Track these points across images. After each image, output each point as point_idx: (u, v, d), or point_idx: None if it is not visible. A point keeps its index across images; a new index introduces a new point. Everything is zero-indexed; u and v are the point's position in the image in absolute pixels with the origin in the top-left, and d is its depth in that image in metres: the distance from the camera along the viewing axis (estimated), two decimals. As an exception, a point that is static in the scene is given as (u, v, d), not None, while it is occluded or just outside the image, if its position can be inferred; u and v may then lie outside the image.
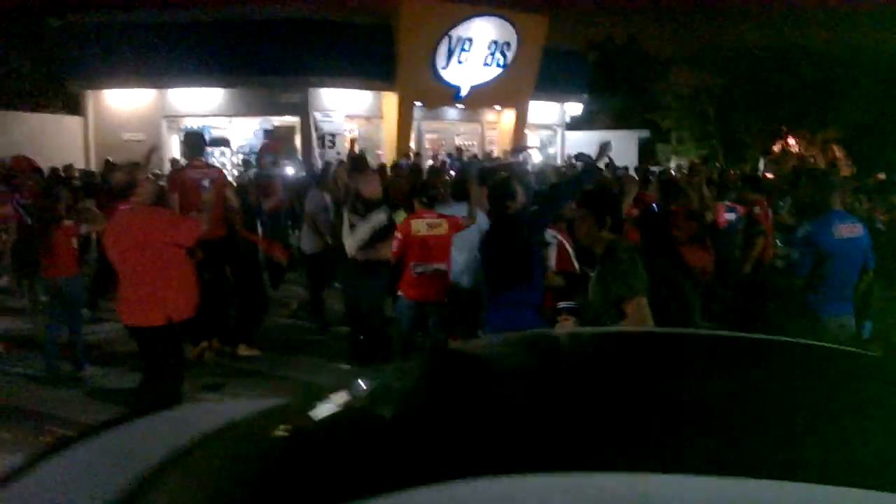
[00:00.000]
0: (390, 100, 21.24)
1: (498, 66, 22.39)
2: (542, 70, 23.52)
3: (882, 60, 28.45)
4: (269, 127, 20.56)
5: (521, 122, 24.62)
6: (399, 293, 6.08)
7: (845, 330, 5.01)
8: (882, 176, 13.10)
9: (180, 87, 19.86)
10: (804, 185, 6.74)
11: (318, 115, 20.11)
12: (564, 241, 5.71)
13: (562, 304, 3.72)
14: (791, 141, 31.79)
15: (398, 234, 5.97)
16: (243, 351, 7.25)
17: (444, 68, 21.32)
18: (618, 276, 3.57)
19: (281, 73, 19.06)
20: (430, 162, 18.78)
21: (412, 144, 21.85)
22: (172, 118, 20.35)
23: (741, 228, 7.64)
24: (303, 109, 20.02)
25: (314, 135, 19.97)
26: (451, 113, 23.97)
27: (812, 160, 27.45)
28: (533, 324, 4.33)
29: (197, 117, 20.40)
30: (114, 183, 5.24)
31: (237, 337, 7.33)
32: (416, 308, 5.96)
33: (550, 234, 5.56)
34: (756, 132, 30.88)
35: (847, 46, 29.90)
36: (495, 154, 21.06)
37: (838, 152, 28.96)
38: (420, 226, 5.94)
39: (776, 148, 31.08)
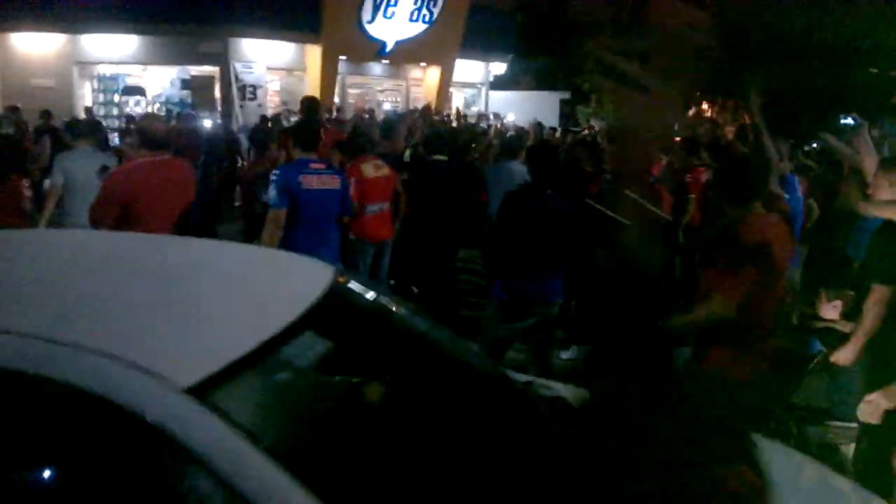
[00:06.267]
0: (314, 53, 20.89)
1: (424, 21, 22.25)
2: (469, 28, 23.54)
3: (795, 28, 29.45)
4: (186, 76, 19.97)
5: (446, 79, 24.64)
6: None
7: None
8: None
9: (93, 33, 18.95)
10: None
11: (238, 66, 19.62)
12: None
13: None
14: (704, 106, 32.77)
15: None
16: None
17: (369, 22, 21.07)
18: None
19: (200, 21, 18.40)
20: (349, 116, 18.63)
21: (336, 99, 21.62)
22: (84, 64, 19.49)
23: None
24: (223, 59, 19.49)
25: (234, 86, 19.52)
26: (376, 68, 23.79)
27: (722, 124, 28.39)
28: None
29: (110, 64, 19.61)
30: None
31: None
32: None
33: None
34: (673, 97, 31.69)
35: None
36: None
37: (748, 118, 29.99)
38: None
39: (690, 112, 32.01)
